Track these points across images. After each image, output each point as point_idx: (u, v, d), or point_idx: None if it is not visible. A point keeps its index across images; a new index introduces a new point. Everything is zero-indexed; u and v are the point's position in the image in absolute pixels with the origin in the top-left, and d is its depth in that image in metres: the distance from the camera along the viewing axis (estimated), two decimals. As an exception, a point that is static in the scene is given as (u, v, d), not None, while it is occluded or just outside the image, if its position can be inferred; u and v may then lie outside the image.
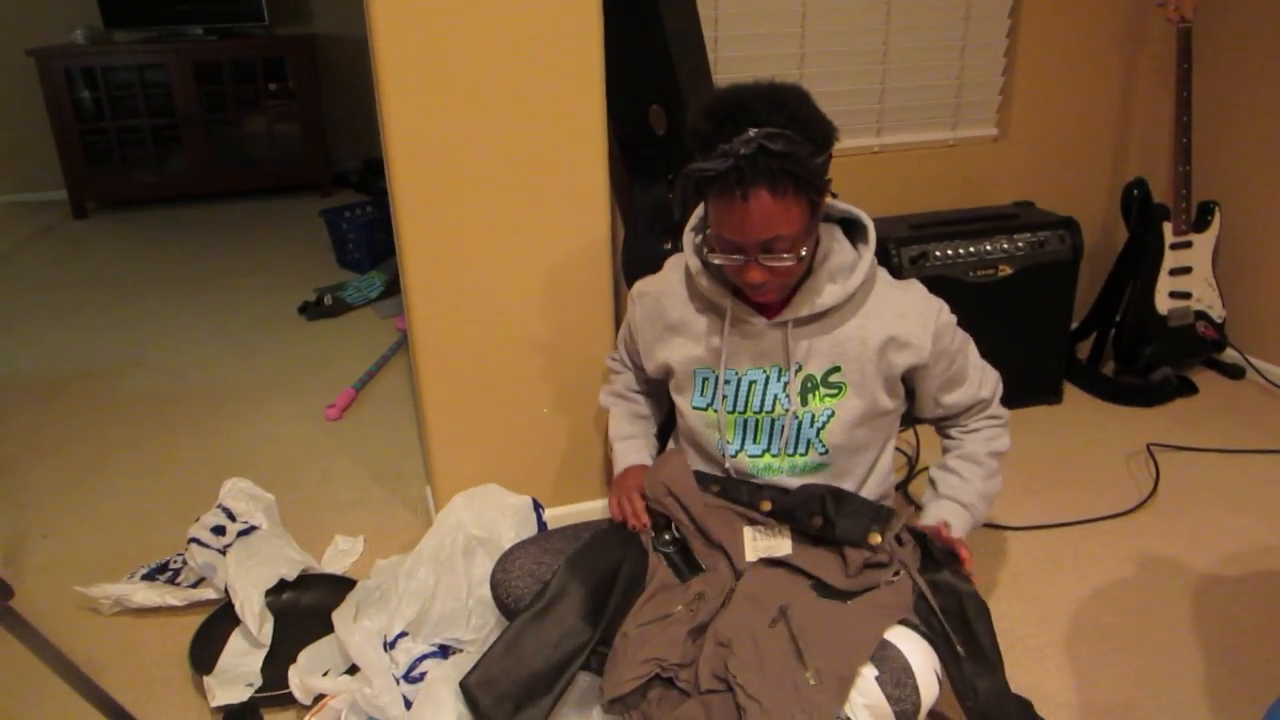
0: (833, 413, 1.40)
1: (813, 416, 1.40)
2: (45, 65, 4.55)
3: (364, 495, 2.26)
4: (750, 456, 1.47)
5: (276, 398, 2.79)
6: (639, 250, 2.12)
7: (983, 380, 1.52)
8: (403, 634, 1.61)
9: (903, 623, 1.32)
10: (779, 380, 1.41)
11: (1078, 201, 2.74)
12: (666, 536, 1.49)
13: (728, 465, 1.49)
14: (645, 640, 1.33)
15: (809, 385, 1.40)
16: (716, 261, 1.32)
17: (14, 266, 4.10)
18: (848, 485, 1.47)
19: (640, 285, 1.57)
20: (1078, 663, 1.66)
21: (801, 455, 1.44)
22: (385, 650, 1.60)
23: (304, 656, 1.61)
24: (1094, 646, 1.70)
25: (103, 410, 2.73)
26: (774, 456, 1.45)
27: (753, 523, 1.46)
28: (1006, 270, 2.39)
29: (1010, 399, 2.52)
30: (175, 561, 1.94)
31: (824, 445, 1.42)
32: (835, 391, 1.40)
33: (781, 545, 1.43)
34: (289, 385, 2.87)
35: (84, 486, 2.32)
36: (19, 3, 4.79)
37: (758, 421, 1.44)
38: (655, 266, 1.60)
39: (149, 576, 1.91)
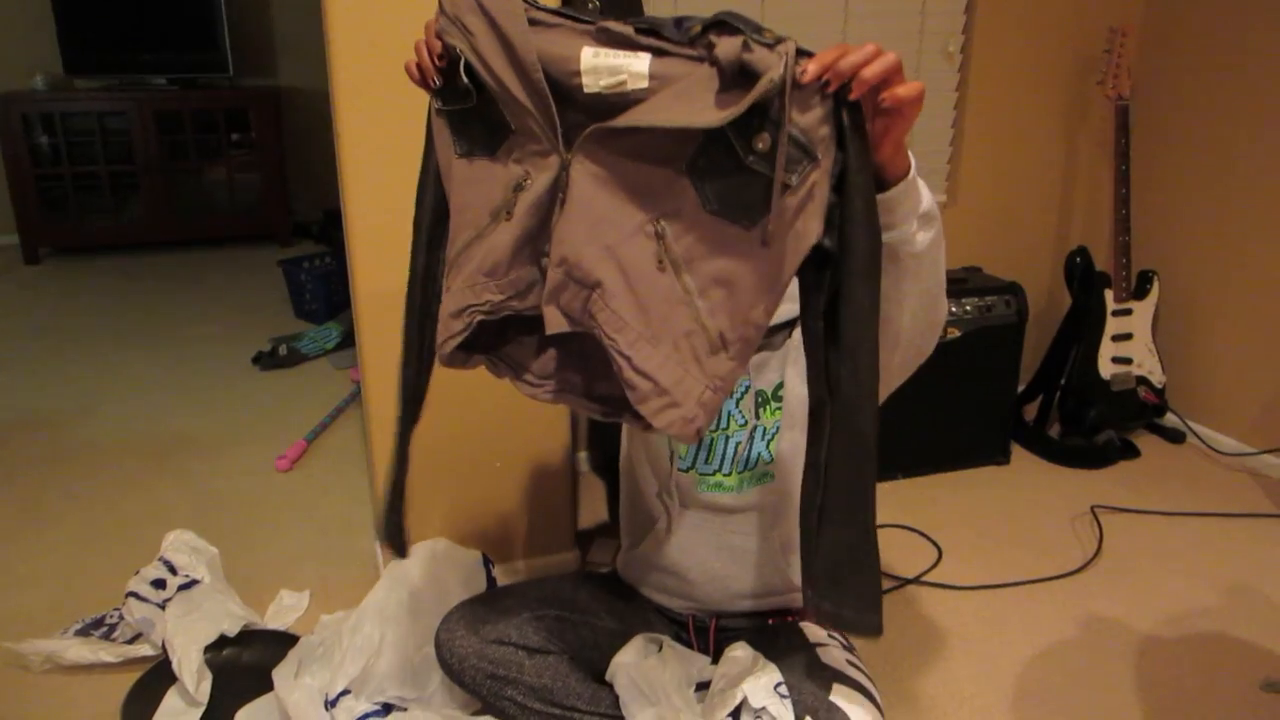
0: (780, 425, 1.43)
1: (764, 430, 1.44)
2: (3, 110, 4.52)
3: (311, 549, 2.22)
4: (700, 474, 1.47)
5: (226, 449, 2.74)
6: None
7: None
8: (345, 692, 1.58)
9: (849, 683, 1.32)
10: (732, 398, 1.43)
11: (1023, 267, 2.82)
12: (462, 84, 1.00)
13: (672, 480, 1.49)
14: (460, 272, 1.07)
15: (760, 400, 1.44)
16: None
17: (-41, 312, 4.02)
18: (794, 496, 1.47)
19: None
20: (1024, 723, 1.67)
21: (750, 469, 1.46)
22: (326, 709, 1.56)
23: (242, 716, 1.58)
24: (1039, 707, 1.71)
25: (45, 461, 2.66)
26: (724, 475, 1.46)
27: (595, 39, 0.93)
28: (955, 333, 2.45)
29: (959, 459, 2.58)
30: (111, 616, 1.89)
31: (771, 455, 1.44)
32: (781, 405, 1.43)
33: (635, 65, 0.90)
34: (239, 436, 2.83)
35: (21, 538, 2.26)
36: (-21, 48, 4.78)
37: (712, 440, 1.45)
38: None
39: (83, 632, 1.85)
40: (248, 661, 1.77)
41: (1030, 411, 2.81)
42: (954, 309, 2.45)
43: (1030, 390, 2.79)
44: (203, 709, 1.65)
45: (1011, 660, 1.84)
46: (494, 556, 1.94)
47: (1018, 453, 2.71)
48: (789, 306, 1.39)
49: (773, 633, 1.48)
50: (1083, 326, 2.63)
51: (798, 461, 1.43)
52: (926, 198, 1.04)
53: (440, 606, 1.63)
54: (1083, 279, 2.62)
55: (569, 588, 1.60)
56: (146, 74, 4.84)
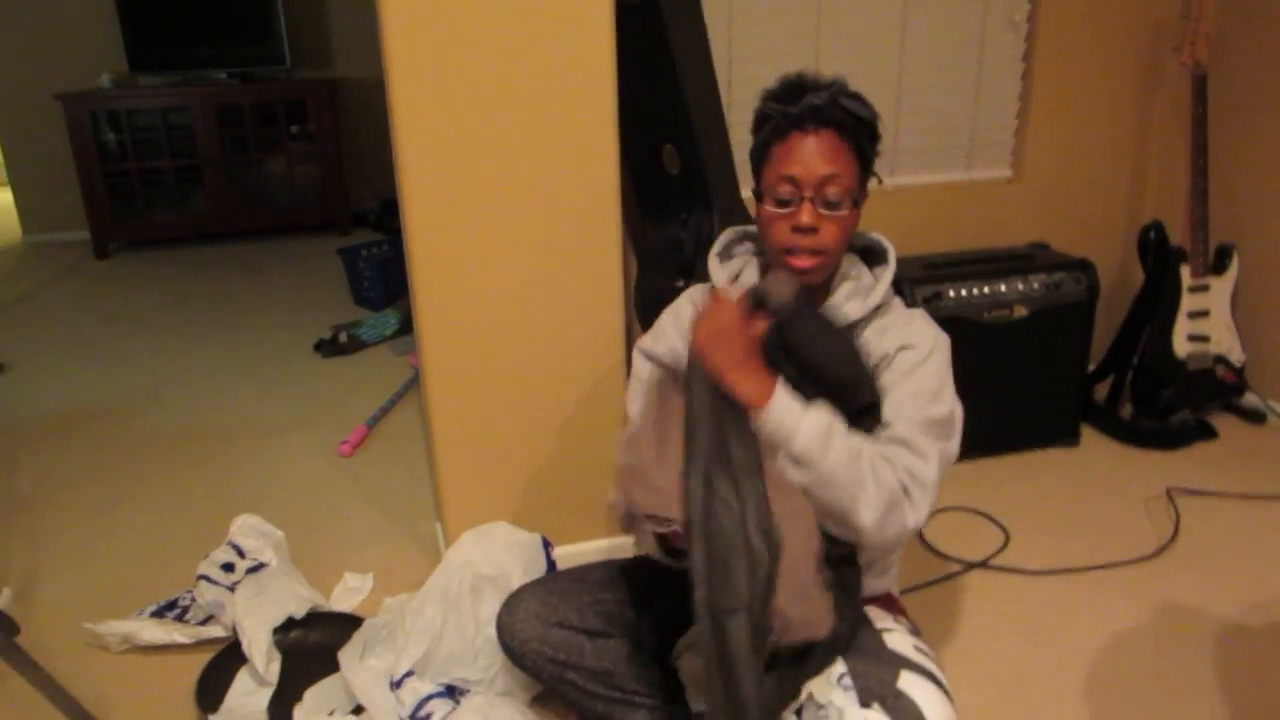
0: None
1: None
2: (72, 109, 4.64)
3: (374, 532, 2.25)
4: None
5: (290, 434, 2.79)
6: (651, 288, 2.13)
7: (922, 437, 1.27)
8: (409, 673, 1.59)
9: (915, 669, 1.29)
10: None
11: (1093, 244, 2.73)
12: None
13: None
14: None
15: None
16: (766, 209, 1.34)
17: (36, 304, 4.16)
18: None
19: (662, 320, 1.53)
20: (1097, 712, 1.62)
21: None
22: (391, 690, 1.58)
23: (310, 696, 1.60)
24: (1113, 697, 1.66)
25: (118, 447, 2.74)
26: None
27: None
28: (1022, 311, 2.38)
29: (1027, 440, 2.52)
30: (184, 599, 1.93)
31: None
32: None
33: None
34: (303, 422, 2.87)
35: (97, 523, 2.32)
36: (48, 48, 4.91)
37: None
38: (668, 301, 1.59)
39: (157, 614, 1.90)
40: (315, 642, 1.80)
41: (1101, 392, 2.72)
42: (1020, 286, 2.39)
43: (1101, 370, 2.70)
44: (273, 689, 1.69)
45: (1083, 648, 1.79)
46: (554, 539, 1.94)
47: (1088, 434, 2.63)
48: (865, 302, 1.38)
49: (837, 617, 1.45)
50: (1157, 303, 2.54)
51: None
52: (801, 443, 1.19)
53: (501, 589, 1.64)
54: (1157, 254, 2.52)
55: (630, 571, 1.59)
56: (207, 69, 4.94)
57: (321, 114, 5.01)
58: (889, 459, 1.25)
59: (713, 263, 1.48)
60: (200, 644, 1.83)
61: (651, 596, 1.54)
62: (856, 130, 1.30)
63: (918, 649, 1.37)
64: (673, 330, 1.50)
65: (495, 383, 1.86)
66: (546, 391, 1.90)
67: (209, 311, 3.99)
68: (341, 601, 1.96)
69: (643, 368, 1.52)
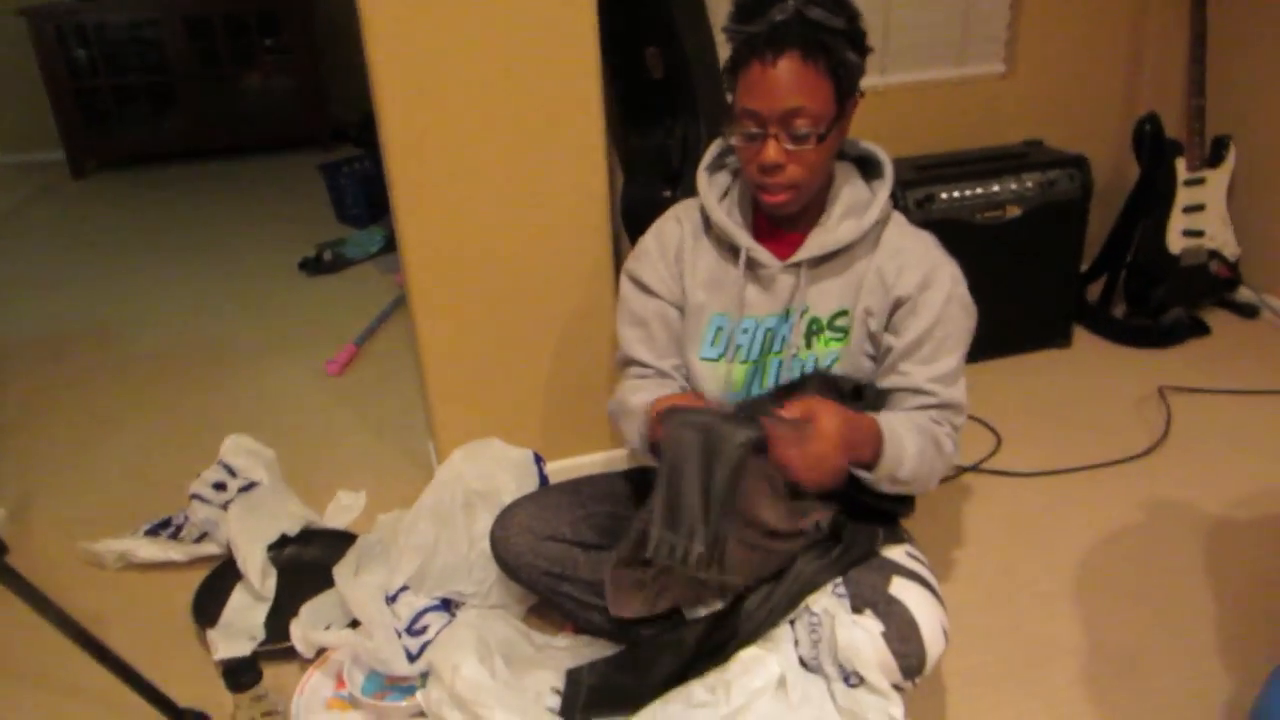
0: (836, 357, 1.36)
1: (816, 360, 1.37)
2: (37, 24, 4.48)
3: (366, 451, 2.25)
4: None
5: (278, 354, 2.77)
6: (638, 198, 2.08)
7: (955, 384, 1.36)
8: (404, 588, 1.61)
9: (907, 574, 1.30)
10: (787, 323, 1.38)
11: (1088, 139, 2.66)
12: None
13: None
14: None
15: (814, 328, 1.37)
16: (734, 143, 1.29)
17: (13, 228, 4.08)
18: None
19: (645, 242, 1.49)
20: (1086, 610, 1.64)
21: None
22: (387, 604, 1.59)
23: (306, 610, 1.61)
24: (1103, 593, 1.68)
25: (105, 370, 2.72)
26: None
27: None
28: (1015, 211, 2.34)
29: (1018, 343, 2.50)
30: (178, 518, 1.94)
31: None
32: (840, 335, 1.36)
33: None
34: (290, 342, 2.85)
35: (88, 444, 2.32)
36: (7, -40, 4.70)
37: (763, 365, 1.40)
38: (655, 214, 1.55)
39: (152, 532, 1.90)
40: (309, 559, 1.81)
41: (1094, 292, 2.70)
42: (1014, 185, 2.34)
43: (1094, 269, 2.67)
44: (269, 604, 1.70)
45: (1074, 546, 1.80)
46: (547, 455, 1.94)
47: (1080, 335, 2.62)
48: (859, 222, 1.32)
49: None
50: (1151, 198, 2.50)
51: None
52: (905, 473, 1.28)
53: (493, 504, 1.64)
54: (1152, 147, 2.47)
55: (622, 483, 1.58)
56: (174, -23, 4.74)
57: (296, 24, 4.84)
58: (938, 421, 1.34)
59: (701, 177, 1.44)
60: (195, 561, 1.84)
61: (646, 507, 1.54)
62: (831, 45, 1.20)
63: (909, 554, 1.38)
64: (657, 254, 1.46)
65: (481, 299, 1.83)
66: (534, 305, 1.87)
67: (190, 231, 3.93)
68: (335, 519, 1.97)
69: (631, 295, 1.48)
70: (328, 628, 1.58)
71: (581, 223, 1.82)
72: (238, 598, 1.73)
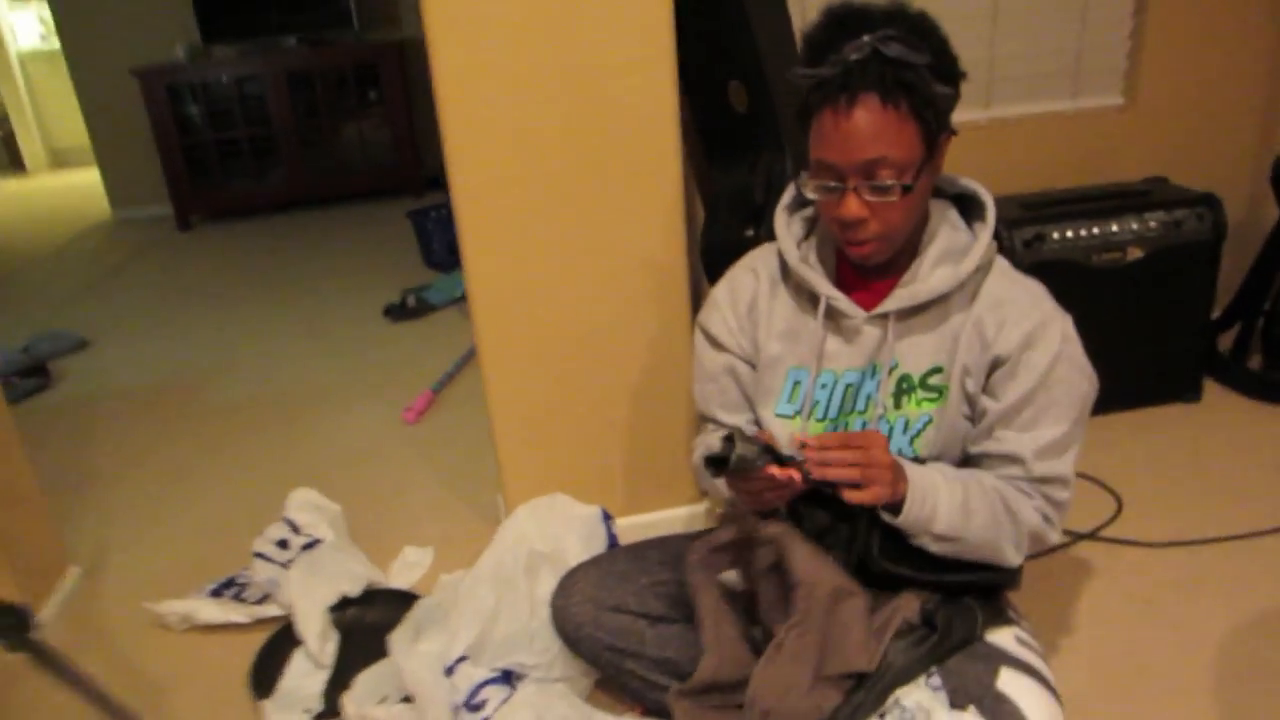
0: (930, 419, 1.21)
1: (906, 422, 1.22)
2: (148, 83, 4.68)
3: (436, 503, 2.18)
4: None
5: (356, 402, 2.74)
6: (719, 239, 1.97)
7: (1057, 457, 1.18)
8: (462, 658, 1.50)
9: (1017, 665, 1.13)
10: (873, 379, 1.24)
11: (1219, 176, 2.44)
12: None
13: None
14: None
15: (904, 387, 1.22)
16: (811, 195, 1.16)
17: (120, 280, 4.23)
18: None
19: (716, 294, 1.39)
20: (1227, 706, 1.42)
21: None
22: (445, 675, 1.48)
23: (361, 682, 1.52)
24: (1246, 687, 1.46)
25: (188, 419, 2.73)
26: None
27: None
28: (1137, 253, 2.13)
29: (1141, 396, 2.28)
30: (242, 576, 1.88)
31: (914, 454, 1.22)
32: (935, 395, 1.21)
33: None
34: (369, 389, 2.82)
35: (165, 497, 2.31)
36: (123, 24, 4.94)
37: (847, 425, 1.26)
38: (736, 256, 1.43)
39: (216, 592, 1.85)
40: (373, 621, 1.72)
41: (1226, 341, 2.45)
42: (1135, 225, 2.14)
43: (1227, 317, 2.43)
44: (329, 670, 1.62)
45: (1211, 631, 1.58)
46: (618, 510, 1.83)
47: (1211, 389, 2.37)
48: (956, 270, 1.18)
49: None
50: (1293, 240, 2.26)
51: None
52: (941, 527, 1.13)
53: (558, 566, 1.53)
54: (1293, 185, 2.23)
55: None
56: (277, 35, 4.90)
57: (391, 76, 4.95)
58: (1028, 493, 1.18)
59: (779, 218, 1.32)
60: (258, 623, 1.78)
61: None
62: (913, 83, 1.06)
63: (1020, 640, 1.21)
64: (728, 307, 1.35)
65: (552, 344, 1.74)
66: (606, 354, 1.77)
67: (282, 281, 3.99)
68: (400, 577, 1.89)
69: (702, 349, 1.38)
70: (383, 700, 1.48)
71: (658, 263, 1.72)
72: (297, 664, 1.66)
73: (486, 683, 1.48)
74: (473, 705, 1.46)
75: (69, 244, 4.94)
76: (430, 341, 3.16)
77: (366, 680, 1.52)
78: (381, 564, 1.91)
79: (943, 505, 1.12)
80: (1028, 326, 1.17)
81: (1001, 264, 1.23)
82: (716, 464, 1.05)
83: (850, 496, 1.07)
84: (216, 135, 4.89)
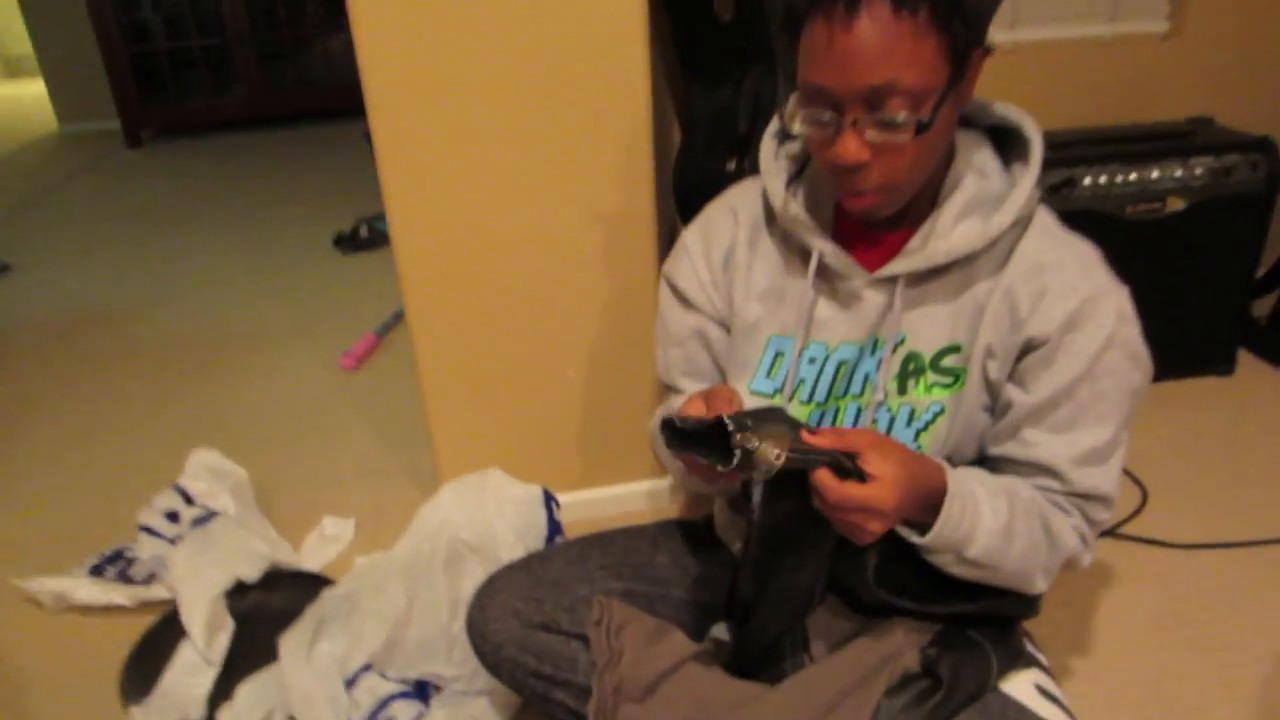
0: (941, 409, 0.95)
1: (912, 411, 0.96)
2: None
3: (367, 464, 1.93)
4: None
5: (292, 343, 2.48)
6: (696, 171, 1.68)
7: (1100, 465, 0.93)
8: (366, 667, 1.26)
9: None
10: (873, 356, 0.97)
11: (1273, 117, 2.15)
12: None
13: None
14: None
15: (912, 368, 0.96)
16: (797, 129, 0.88)
17: (57, 199, 3.92)
18: None
19: (686, 238, 1.11)
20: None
21: None
22: (345, 689, 1.24)
23: (244, 693, 1.27)
24: (1301, 724, 1.23)
25: (107, 357, 2.47)
26: None
27: None
28: (1177, 204, 1.86)
29: (1169, 368, 2.00)
30: (131, 550, 1.63)
31: (920, 449, 0.96)
32: (949, 381, 0.95)
33: None
34: (308, 329, 2.56)
35: (62, 448, 2.05)
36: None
37: (838, 410, 1.00)
38: (715, 192, 1.15)
39: (99, 568, 1.60)
40: (278, 608, 1.46)
41: (1263, 307, 2.19)
42: (1178, 172, 1.86)
43: (1266, 281, 2.16)
44: (220, 668, 1.38)
45: (1254, 652, 1.35)
46: (566, 484, 1.58)
47: (1245, 361, 2.12)
48: (985, 225, 0.91)
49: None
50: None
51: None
52: (975, 552, 0.86)
53: (488, 559, 1.29)
54: (1357, 130, 1.95)
55: (646, 548, 1.19)
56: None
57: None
58: (1066, 509, 0.93)
59: (766, 148, 1.03)
60: (146, 606, 1.53)
61: (675, 584, 1.16)
62: None
63: (1041, 690, 0.97)
64: (700, 256, 1.07)
65: (494, 298, 1.47)
66: (558, 307, 1.50)
67: (231, 204, 3.71)
68: (314, 555, 1.64)
69: (668, 306, 1.12)
70: (269, 716, 1.24)
71: (619, 205, 1.44)
72: (184, 658, 1.40)
73: (395, 697, 1.25)
74: (376, 725, 1.22)
75: (7, 159, 4.60)
76: (381, 277, 2.87)
77: (250, 691, 1.27)
78: (296, 537, 1.67)
79: (984, 524, 0.86)
80: (1074, 301, 0.90)
81: (1044, 219, 0.95)
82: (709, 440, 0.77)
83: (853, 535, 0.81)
84: (168, 44, 4.52)
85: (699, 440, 0.79)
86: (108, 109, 4.71)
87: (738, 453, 0.73)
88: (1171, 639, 1.38)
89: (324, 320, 2.61)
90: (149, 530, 1.55)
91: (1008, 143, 0.97)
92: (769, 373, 1.02)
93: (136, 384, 2.31)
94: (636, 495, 1.69)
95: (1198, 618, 1.42)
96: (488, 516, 1.36)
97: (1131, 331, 0.93)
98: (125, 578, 1.57)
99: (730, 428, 0.74)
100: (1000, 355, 0.92)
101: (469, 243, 1.43)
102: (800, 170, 1.03)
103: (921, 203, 0.93)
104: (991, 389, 0.94)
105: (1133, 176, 1.84)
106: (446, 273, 1.45)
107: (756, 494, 0.90)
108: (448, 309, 1.48)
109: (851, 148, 0.83)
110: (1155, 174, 1.84)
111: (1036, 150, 0.93)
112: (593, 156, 1.40)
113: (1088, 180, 1.83)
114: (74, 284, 2.97)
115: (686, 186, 1.70)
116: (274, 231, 3.35)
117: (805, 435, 0.79)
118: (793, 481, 0.78)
